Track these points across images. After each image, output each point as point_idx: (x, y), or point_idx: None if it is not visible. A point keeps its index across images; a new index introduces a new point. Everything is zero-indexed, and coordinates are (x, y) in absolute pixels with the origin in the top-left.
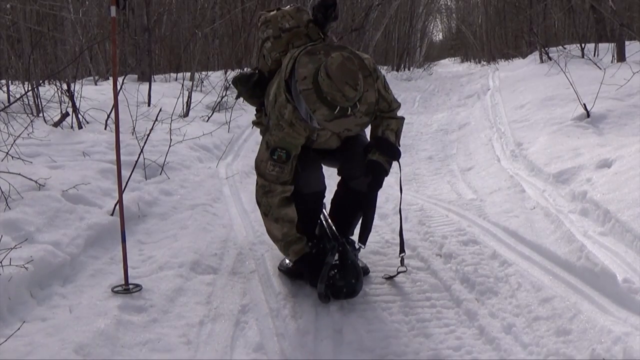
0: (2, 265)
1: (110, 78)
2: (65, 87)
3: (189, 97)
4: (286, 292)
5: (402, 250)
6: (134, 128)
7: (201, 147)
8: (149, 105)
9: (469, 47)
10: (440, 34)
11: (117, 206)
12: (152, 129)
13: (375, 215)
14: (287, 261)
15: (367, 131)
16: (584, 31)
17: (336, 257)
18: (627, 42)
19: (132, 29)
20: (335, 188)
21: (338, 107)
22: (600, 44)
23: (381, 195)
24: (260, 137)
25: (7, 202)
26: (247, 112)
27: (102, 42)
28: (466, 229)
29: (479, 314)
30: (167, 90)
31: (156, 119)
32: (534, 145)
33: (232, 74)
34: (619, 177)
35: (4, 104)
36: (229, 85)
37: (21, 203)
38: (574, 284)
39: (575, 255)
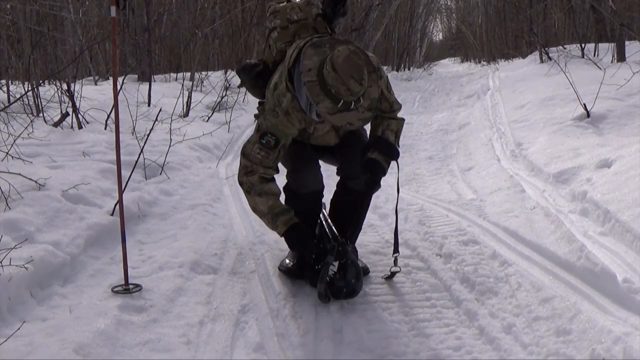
0: (2, 265)
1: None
2: (65, 87)
3: (189, 97)
4: (286, 292)
5: (396, 250)
6: (134, 128)
7: (201, 147)
8: (149, 105)
9: (469, 47)
10: (440, 34)
11: (117, 206)
12: (152, 129)
13: (375, 215)
14: (288, 261)
15: (367, 130)
16: (584, 31)
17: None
18: (627, 42)
19: (132, 29)
20: (335, 188)
21: (342, 101)
22: (600, 44)
23: (381, 195)
24: None
25: (7, 202)
26: (247, 112)
27: (102, 42)
28: (466, 229)
29: (479, 314)
30: (167, 90)
31: (156, 119)
32: (534, 145)
33: (232, 74)
34: (619, 177)
35: (4, 104)
36: (229, 85)
37: (21, 203)
38: (574, 284)
39: (575, 255)
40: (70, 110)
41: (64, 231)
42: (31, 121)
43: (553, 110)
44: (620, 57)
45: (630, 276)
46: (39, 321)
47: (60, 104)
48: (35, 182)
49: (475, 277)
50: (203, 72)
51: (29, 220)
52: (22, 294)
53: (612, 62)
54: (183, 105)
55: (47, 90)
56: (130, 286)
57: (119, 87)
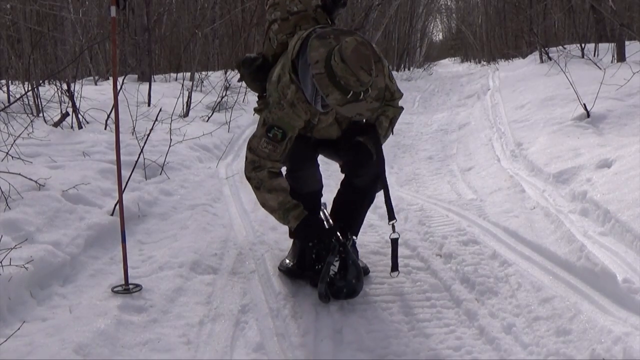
0: (2, 265)
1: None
2: (65, 87)
3: (189, 97)
4: (286, 292)
5: (391, 217)
6: (134, 128)
7: (201, 147)
8: (149, 105)
9: (469, 47)
10: (440, 34)
11: (117, 206)
12: (152, 129)
13: (375, 215)
14: (288, 261)
15: None
16: (584, 31)
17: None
18: (627, 42)
19: (132, 29)
20: (335, 188)
21: (351, 92)
22: (600, 44)
23: (381, 195)
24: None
25: (7, 202)
26: (247, 112)
27: (102, 42)
28: (466, 229)
29: (479, 314)
30: (167, 90)
31: (156, 119)
32: (534, 145)
33: (232, 74)
34: (619, 177)
35: (4, 104)
36: (229, 85)
37: (21, 203)
38: (574, 284)
39: (575, 255)
40: (70, 110)
41: (64, 231)
42: (31, 121)
43: (553, 110)
44: (620, 57)
45: (630, 276)
46: (39, 321)
47: (60, 104)
48: (35, 182)
49: (475, 277)
50: (203, 72)
51: (29, 220)
52: (22, 294)
53: (612, 62)
54: (183, 105)
55: (47, 90)
56: (130, 286)
57: (119, 87)
